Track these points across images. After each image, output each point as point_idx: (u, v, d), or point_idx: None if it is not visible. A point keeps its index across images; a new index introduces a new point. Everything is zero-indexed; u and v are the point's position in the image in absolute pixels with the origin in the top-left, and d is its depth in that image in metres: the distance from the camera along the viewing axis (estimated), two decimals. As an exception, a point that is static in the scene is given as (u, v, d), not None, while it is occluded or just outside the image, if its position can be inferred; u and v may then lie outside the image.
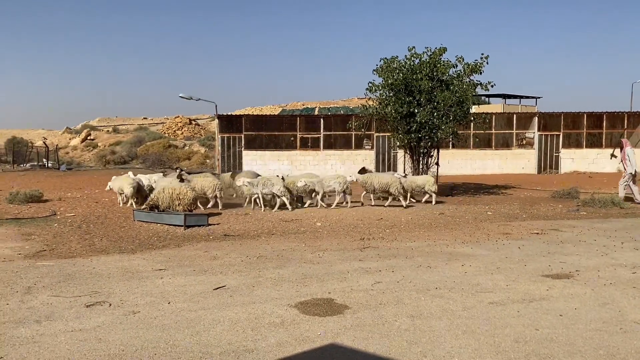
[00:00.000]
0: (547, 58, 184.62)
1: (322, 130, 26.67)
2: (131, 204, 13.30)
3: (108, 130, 57.45)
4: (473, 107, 17.43)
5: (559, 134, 27.45)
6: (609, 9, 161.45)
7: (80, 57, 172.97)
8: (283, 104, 68.98)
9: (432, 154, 16.62)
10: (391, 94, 15.90)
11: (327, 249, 7.96)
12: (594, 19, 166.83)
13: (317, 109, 49.43)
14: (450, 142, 23.49)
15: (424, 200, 14.29)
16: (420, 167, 16.37)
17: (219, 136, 26.43)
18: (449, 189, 17.89)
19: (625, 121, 27.91)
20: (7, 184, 19.61)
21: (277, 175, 13.34)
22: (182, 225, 10.05)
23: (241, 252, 7.78)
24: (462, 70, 15.99)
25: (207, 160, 36.51)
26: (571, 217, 11.40)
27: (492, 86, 16.12)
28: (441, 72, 15.72)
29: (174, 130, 52.65)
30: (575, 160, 27.28)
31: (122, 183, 13.61)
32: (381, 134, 25.20)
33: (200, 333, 4.38)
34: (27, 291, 5.68)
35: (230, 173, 15.71)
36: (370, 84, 16.32)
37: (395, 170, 23.24)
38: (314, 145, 26.77)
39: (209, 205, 12.86)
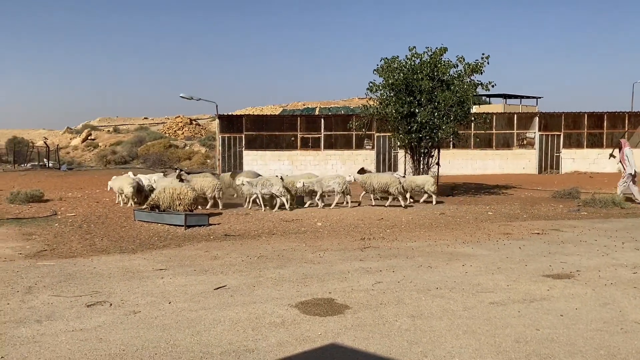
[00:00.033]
0: (548, 58, 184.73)
1: (322, 130, 26.67)
2: (131, 204, 13.31)
3: (109, 130, 57.45)
4: (474, 107, 17.43)
5: (560, 134, 27.44)
6: (609, 9, 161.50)
7: (80, 57, 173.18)
8: (284, 104, 68.99)
9: (432, 154, 16.63)
10: (392, 94, 15.90)
11: (327, 249, 7.96)
12: (595, 18, 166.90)
13: (317, 109, 49.44)
14: (451, 142, 23.58)
15: (422, 200, 14.24)
16: (421, 167, 16.37)
17: (220, 136, 26.43)
18: (450, 189, 17.88)
19: (626, 121, 27.89)
20: (8, 184, 19.64)
21: (276, 176, 13.35)
22: (182, 225, 10.06)
23: (242, 252, 7.78)
24: (462, 70, 15.99)
25: (208, 160, 36.51)
26: (572, 217, 11.39)
27: (492, 86, 16.13)
28: (442, 72, 15.73)
29: (175, 130, 52.66)
30: (576, 161, 27.26)
31: (122, 183, 13.64)
32: (382, 134, 25.20)
33: (201, 333, 4.38)
34: (28, 291, 5.68)
35: (230, 173, 15.71)
36: (370, 84, 16.32)
37: (396, 170, 23.28)
38: (314, 145, 26.77)
39: (208, 206, 12.86)
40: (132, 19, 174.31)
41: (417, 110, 15.45)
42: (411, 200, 14.13)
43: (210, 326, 4.54)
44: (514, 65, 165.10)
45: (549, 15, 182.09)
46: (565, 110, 28.05)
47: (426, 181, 14.18)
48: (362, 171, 14.28)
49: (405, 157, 18.04)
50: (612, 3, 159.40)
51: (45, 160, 36.45)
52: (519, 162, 27.28)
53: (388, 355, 3.92)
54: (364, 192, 13.64)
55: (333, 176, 13.59)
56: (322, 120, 27.11)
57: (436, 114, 15.37)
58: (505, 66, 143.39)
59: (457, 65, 16.03)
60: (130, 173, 14.36)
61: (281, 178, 12.90)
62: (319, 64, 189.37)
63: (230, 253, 7.75)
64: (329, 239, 8.89)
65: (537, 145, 27.36)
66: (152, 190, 13.18)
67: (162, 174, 16.27)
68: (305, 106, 60.98)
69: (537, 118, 27.99)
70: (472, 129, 24.71)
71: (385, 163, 26.26)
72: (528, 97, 44.11)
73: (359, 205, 13.35)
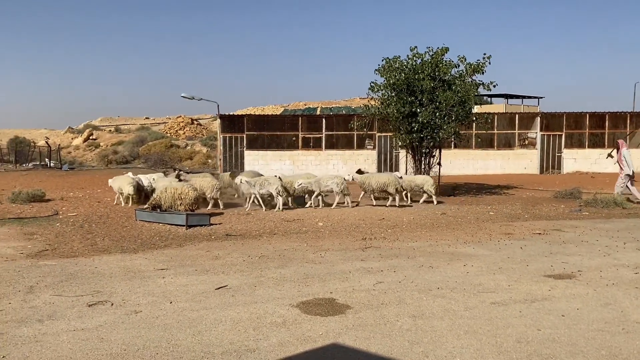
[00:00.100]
0: (550, 58, 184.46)
1: (324, 130, 26.67)
2: (131, 204, 13.33)
3: (110, 130, 57.48)
4: (475, 107, 17.44)
5: (561, 134, 27.40)
6: (611, 9, 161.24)
7: (81, 57, 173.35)
8: (285, 104, 68.97)
9: (434, 154, 16.62)
10: (393, 94, 15.90)
11: (329, 249, 7.96)
12: (597, 18, 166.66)
13: (319, 109, 49.45)
14: (453, 142, 23.57)
15: (422, 200, 14.17)
16: (422, 167, 16.36)
17: (221, 136, 26.44)
18: (451, 189, 17.87)
19: (628, 121, 27.84)
20: (9, 184, 19.66)
21: (275, 176, 13.35)
22: (184, 225, 10.06)
23: (243, 252, 7.79)
24: (464, 70, 15.98)
25: (209, 160, 36.50)
26: (573, 218, 11.38)
27: (494, 86, 16.13)
28: (443, 72, 15.72)
29: (176, 130, 52.65)
30: (578, 161, 27.23)
31: (122, 183, 13.66)
32: (383, 134, 25.20)
33: (202, 333, 4.39)
34: (29, 290, 5.69)
35: (229, 173, 15.71)
36: (372, 84, 16.32)
37: (397, 170, 23.28)
38: (316, 145, 26.76)
39: (209, 207, 12.85)
40: (132, 19, 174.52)
41: (418, 110, 15.45)
42: (406, 200, 14.08)
43: (211, 326, 4.55)
44: (516, 65, 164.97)
45: (551, 15, 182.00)
46: (566, 110, 28.03)
47: (425, 181, 14.16)
48: (360, 172, 14.28)
49: (406, 157, 18.03)
50: (614, 2, 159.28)
51: (46, 160, 36.47)
52: (520, 162, 27.25)
53: (389, 355, 3.91)
54: (363, 193, 13.64)
55: (331, 176, 13.57)
56: (324, 120, 27.11)
57: (437, 114, 15.37)
58: (506, 66, 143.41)
59: (459, 65, 16.03)
60: (129, 173, 14.37)
61: (279, 178, 12.91)
62: (320, 63, 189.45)
63: (231, 253, 7.76)
64: (330, 239, 8.89)
65: (538, 145, 27.33)
66: (152, 190, 13.20)
67: (162, 173, 16.30)
68: (306, 106, 60.99)
69: (539, 118, 27.95)
70: (474, 129, 24.68)
71: (387, 163, 26.26)
72: (529, 97, 44.09)
73: (357, 205, 13.35)
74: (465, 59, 16.01)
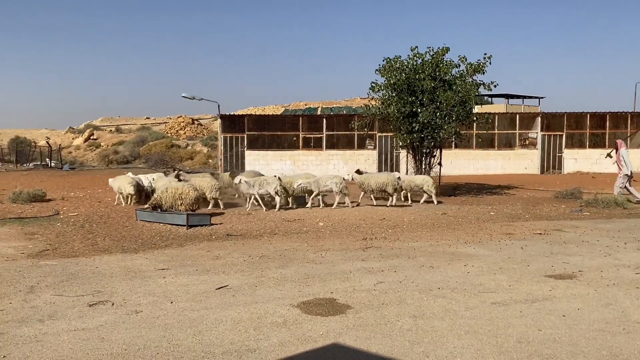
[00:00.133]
0: (551, 58, 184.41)
1: (324, 130, 26.66)
2: (132, 204, 13.34)
3: (111, 130, 57.51)
4: (476, 107, 17.42)
5: (562, 134, 27.38)
6: (611, 9, 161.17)
7: (82, 57, 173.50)
8: (285, 104, 68.97)
9: (434, 154, 16.62)
10: (394, 94, 15.90)
11: (329, 249, 7.96)
12: (596, 18, 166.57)
13: (319, 109, 49.44)
14: (453, 142, 23.56)
15: (422, 201, 14.15)
16: (423, 167, 16.36)
17: (222, 136, 26.45)
18: (452, 189, 17.87)
19: (629, 121, 27.82)
20: (10, 184, 19.67)
21: (275, 176, 13.35)
22: (184, 225, 10.07)
23: (244, 252, 7.79)
24: (464, 70, 15.99)
25: (210, 160, 36.51)
26: (574, 218, 11.38)
27: (495, 86, 16.12)
28: (444, 72, 15.72)
29: (177, 130, 52.67)
30: (578, 161, 27.21)
31: (122, 183, 13.67)
32: (384, 134, 25.19)
33: (203, 333, 4.39)
34: (30, 290, 5.70)
35: (229, 173, 15.70)
36: (372, 84, 16.33)
37: (398, 170, 23.28)
38: (316, 145, 26.76)
39: (209, 207, 12.85)
40: (132, 19, 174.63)
41: (419, 110, 15.45)
42: (406, 200, 14.07)
43: (212, 326, 4.55)
44: (516, 65, 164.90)
45: (551, 15, 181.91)
46: (567, 110, 27.99)
47: (425, 181, 14.14)
48: (359, 172, 14.27)
49: (407, 157, 18.04)
50: (614, 2, 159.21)
51: (47, 159, 36.49)
52: (521, 162, 27.24)
53: (390, 355, 3.91)
54: (362, 193, 13.64)
55: (330, 176, 13.57)
56: (324, 120, 27.11)
57: (438, 114, 15.37)
58: (507, 66, 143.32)
59: (459, 65, 16.04)
60: (129, 173, 14.37)
61: (279, 178, 12.91)
62: (320, 63, 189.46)
63: (232, 253, 7.76)
64: (331, 239, 8.89)
65: (539, 146, 27.32)
66: (153, 190, 13.20)
67: (162, 173, 16.30)
68: (307, 106, 60.99)
69: (540, 118, 27.94)
70: (474, 129, 24.66)
71: (387, 163, 26.24)
72: (530, 97, 44.06)
73: (358, 205, 13.35)
74: (465, 59, 16.02)
